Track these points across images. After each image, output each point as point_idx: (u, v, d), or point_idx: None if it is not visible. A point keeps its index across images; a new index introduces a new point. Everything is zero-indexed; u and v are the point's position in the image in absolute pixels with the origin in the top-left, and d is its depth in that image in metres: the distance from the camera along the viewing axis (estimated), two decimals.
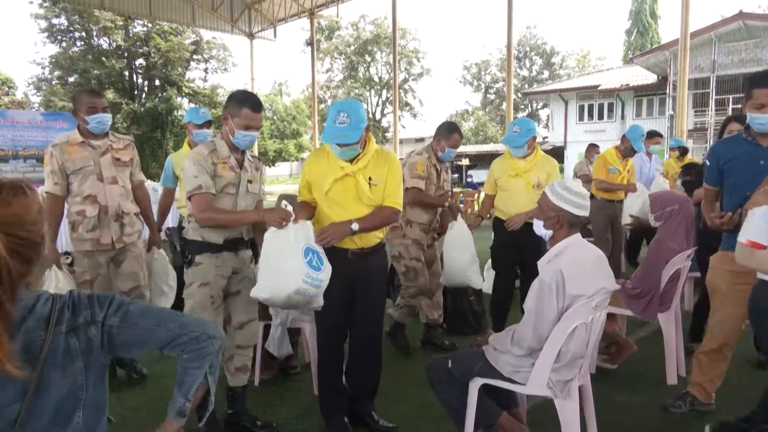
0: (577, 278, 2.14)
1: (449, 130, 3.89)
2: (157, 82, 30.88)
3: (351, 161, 2.61)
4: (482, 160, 29.86)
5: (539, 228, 2.32)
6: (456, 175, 24.92)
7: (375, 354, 2.85)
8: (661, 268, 3.27)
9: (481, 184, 10.23)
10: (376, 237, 2.73)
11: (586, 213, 2.29)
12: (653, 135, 6.20)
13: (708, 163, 2.84)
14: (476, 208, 11.17)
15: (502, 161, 4.01)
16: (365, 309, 2.75)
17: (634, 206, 5.12)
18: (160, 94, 29.70)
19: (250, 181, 2.73)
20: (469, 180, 22.16)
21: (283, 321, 3.38)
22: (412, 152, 4.01)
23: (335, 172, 2.61)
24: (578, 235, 2.30)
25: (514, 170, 3.88)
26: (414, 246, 3.88)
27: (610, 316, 3.55)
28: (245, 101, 2.59)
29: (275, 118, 36.57)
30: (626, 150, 5.27)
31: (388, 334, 4.05)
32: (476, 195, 13.73)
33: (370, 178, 2.64)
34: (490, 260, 4.29)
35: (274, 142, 35.62)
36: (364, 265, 2.69)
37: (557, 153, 26.45)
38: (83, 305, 1.24)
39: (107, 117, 3.22)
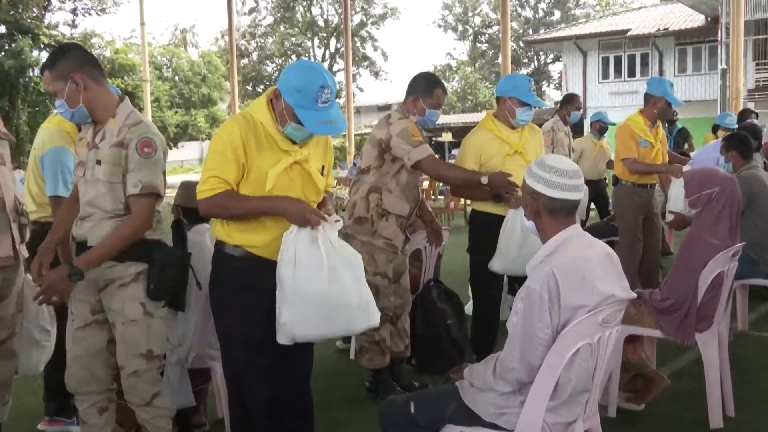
0: (576, 284, 2.22)
1: (429, 85, 3.91)
2: (2, 29, 30.07)
3: (294, 143, 2.66)
4: None
5: (524, 219, 2.42)
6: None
7: (306, 397, 2.91)
8: (697, 271, 3.40)
9: None
10: None
11: (566, 195, 2.33)
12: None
13: None
14: (462, 201, 11.38)
15: (488, 136, 4.03)
16: None
17: (680, 197, 4.71)
18: (6, 46, 28.94)
19: (99, 162, 2.66)
20: (452, 161, 22.39)
21: (182, 359, 3.38)
22: (388, 115, 3.94)
23: (281, 158, 2.63)
24: (577, 227, 2.39)
25: (512, 147, 3.95)
26: (384, 253, 3.89)
27: (635, 340, 3.69)
28: None
29: (177, 78, 36.09)
30: (661, 111, 5.15)
31: (368, 391, 4.08)
32: None
33: (323, 167, 2.77)
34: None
35: (176, 113, 35.11)
36: None
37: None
38: None
39: None
